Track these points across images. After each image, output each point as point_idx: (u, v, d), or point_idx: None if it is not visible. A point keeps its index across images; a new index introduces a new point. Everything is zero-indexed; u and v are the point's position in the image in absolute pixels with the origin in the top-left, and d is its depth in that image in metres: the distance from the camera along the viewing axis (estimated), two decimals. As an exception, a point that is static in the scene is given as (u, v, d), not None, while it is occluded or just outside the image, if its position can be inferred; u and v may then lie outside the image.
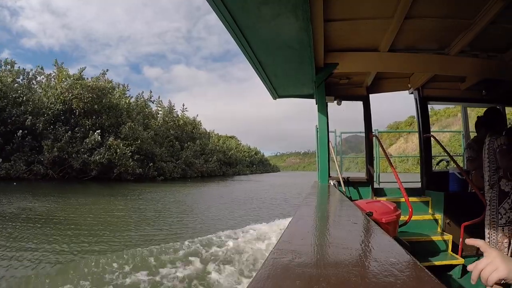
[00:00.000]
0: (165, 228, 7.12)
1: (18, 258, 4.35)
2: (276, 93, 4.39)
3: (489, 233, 2.40)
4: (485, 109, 3.34)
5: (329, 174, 3.55)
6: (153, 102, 37.72)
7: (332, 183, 3.58)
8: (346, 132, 5.47)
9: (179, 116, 43.10)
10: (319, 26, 2.49)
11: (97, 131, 24.43)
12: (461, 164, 4.44)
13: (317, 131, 3.76)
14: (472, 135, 4.61)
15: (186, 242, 5.13)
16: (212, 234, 5.92)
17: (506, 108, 4.31)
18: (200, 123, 52.68)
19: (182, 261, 4.35)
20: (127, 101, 30.73)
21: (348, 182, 4.12)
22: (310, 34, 2.38)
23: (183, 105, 44.65)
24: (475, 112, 4.54)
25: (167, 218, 8.51)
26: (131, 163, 25.88)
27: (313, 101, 4.42)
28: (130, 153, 26.03)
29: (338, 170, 4.15)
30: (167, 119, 39.58)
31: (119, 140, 25.82)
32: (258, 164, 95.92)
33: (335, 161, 4.19)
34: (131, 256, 4.35)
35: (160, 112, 39.97)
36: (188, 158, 36.82)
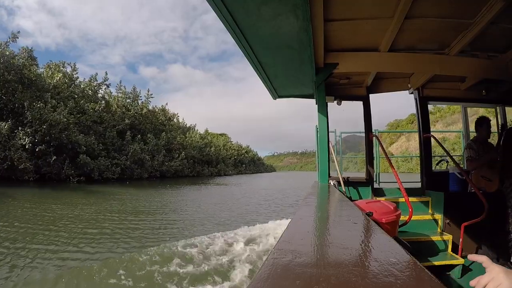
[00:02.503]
0: None
1: None
2: (276, 93, 4.39)
3: None
4: (485, 109, 3.35)
5: (329, 174, 3.55)
6: (108, 86, 32.34)
7: (332, 183, 3.58)
8: (346, 132, 5.47)
9: (143, 103, 37.13)
10: (319, 26, 2.49)
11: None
12: (461, 164, 4.44)
13: (317, 131, 3.76)
14: (472, 135, 4.62)
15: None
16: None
17: (506, 108, 4.31)
18: (178, 115, 48.11)
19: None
20: (58, 77, 25.01)
21: (348, 182, 4.12)
22: (310, 34, 2.38)
23: (148, 91, 39.85)
24: (480, 112, 4.50)
25: None
26: (22, 155, 18.44)
27: (312, 100, 4.42)
28: (29, 143, 19.04)
29: (338, 170, 4.15)
30: (121, 105, 33.08)
31: (5, 123, 18.29)
32: (248, 164, 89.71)
33: (335, 161, 4.19)
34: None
35: (109, 97, 33.38)
36: (136, 154, 29.48)
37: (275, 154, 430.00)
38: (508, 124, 4.22)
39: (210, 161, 51.36)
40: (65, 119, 21.90)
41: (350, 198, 2.83)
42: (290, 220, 1.25)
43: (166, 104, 42.38)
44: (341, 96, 4.09)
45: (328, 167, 3.52)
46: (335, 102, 4.05)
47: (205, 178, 39.53)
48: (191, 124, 54.85)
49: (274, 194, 17.05)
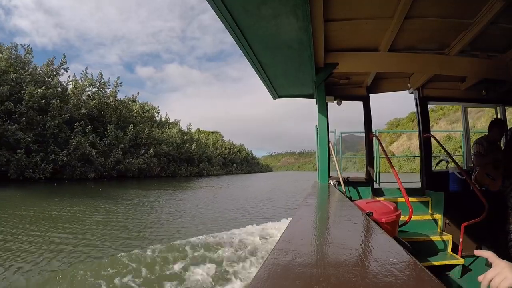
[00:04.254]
0: None
1: None
2: (276, 93, 4.39)
3: None
4: (485, 109, 3.35)
5: (329, 174, 3.55)
6: (66, 70, 28.33)
7: (332, 183, 3.58)
8: (346, 132, 5.47)
9: (111, 92, 32.65)
10: (319, 26, 2.49)
11: None
12: (460, 164, 4.44)
13: (317, 131, 3.76)
14: (472, 134, 4.62)
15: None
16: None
17: (506, 108, 4.31)
18: (158, 109, 43.15)
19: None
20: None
21: (348, 182, 4.12)
22: (310, 34, 2.38)
23: (118, 79, 34.46)
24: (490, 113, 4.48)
25: None
26: None
27: (310, 100, 4.42)
28: None
29: (338, 170, 4.15)
30: (79, 92, 29.36)
31: None
32: (240, 163, 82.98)
33: (335, 161, 4.19)
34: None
35: (73, 85, 29.47)
36: (81, 148, 24.71)
37: (273, 154, 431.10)
38: (508, 124, 4.23)
39: (191, 160, 45.29)
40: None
41: (350, 198, 2.83)
42: (290, 220, 1.25)
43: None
44: (341, 96, 4.09)
45: (328, 167, 3.52)
46: (335, 102, 4.05)
47: (179, 180, 33.30)
48: (175, 120, 49.47)
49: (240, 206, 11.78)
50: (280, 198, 15.20)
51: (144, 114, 39.51)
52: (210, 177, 44.70)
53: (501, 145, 3.61)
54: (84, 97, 30.13)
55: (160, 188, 20.02)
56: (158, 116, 44.60)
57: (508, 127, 3.60)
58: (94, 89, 31.88)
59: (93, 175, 26.42)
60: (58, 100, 24.90)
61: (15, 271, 4.21)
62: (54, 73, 27.40)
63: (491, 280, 0.66)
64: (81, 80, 31.09)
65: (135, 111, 37.18)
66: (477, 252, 0.78)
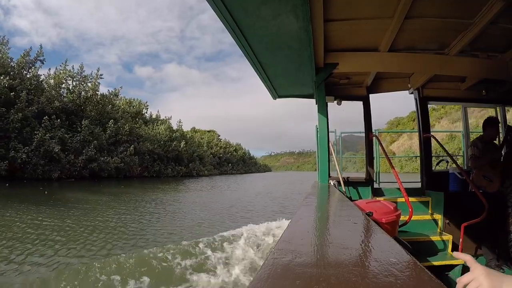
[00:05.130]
0: None
1: None
2: (276, 93, 4.39)
3: None
4: (486, 109, 3.34)
5: (329, 174, 3.55)
6: (42, 62, 26.12)
7: (332, 183, 3.58)
8: (346, 132, 5.48)
9: (89, 86, 29.83)
10: (319, 26, 2.49)
11: None
12: (460, 164, 4.44)
13: (317, 131, 3.76)
14: (472, 134, 4.62)
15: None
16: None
17: (506, 108, 4.31)
18: (146, 105, 40.42)
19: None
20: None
21: (348, 182, 4.12)
22: (310, 34, 2.38)
23: (98, 70, 31.62)
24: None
25: None
26: None
27: (310, 100, 4.42)
28: None
29: (338, 170, 4.16)
30: (55, 85, 27.05)
31: None
32: (237, 163, 78.36)
33: (335, 161, 4.19)
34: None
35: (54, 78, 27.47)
36: (45, 144, 22.27)
37: (272, 154, 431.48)
38: (508, 123, 4.23)
39: (179, 159, 41.92)
40: None
41: (350, 198, 2.83)
42: (290, 220, 1.25)
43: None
44: (341, 96, 4.09)
45: (328, 167, 3.52)
46: (335, 102, 4.06)
47: (162, 180, 29.88)
48: (165, 117, 45.72)
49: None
50: (265, 207, 11.89)
51: (130, 109, 36.71)
52: (200, 178, 40.19)
53: (497, 143, 3.60)
54: (63, 91, 27.88)
55: (124, 192, 16.48)
56: (147, 113, 42.13)
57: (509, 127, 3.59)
58: (75, 83, 29.21)
59: (58, 175, 23.29)
60: (25, 92, 22.50)
61: None
62: (30, 65, 25.32)
63: (466, 285, 0.65)
64: (60, 73, 28.55)
65: (121, 106, 34.38)
66: (456, 254, 0.78)
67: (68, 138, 24.93)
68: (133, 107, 38.75)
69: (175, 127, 45.46)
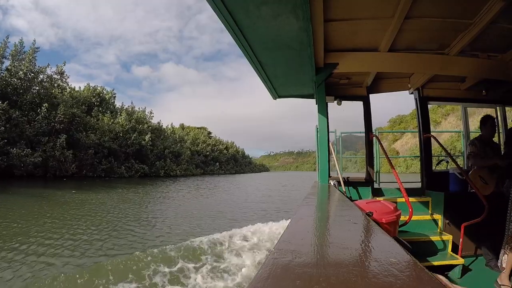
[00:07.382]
0: None
1: None
2: (276, 93, 4.39)
3: None
4: (486, 109, 3.34)
5: (329, 174, 3.55)
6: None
7: (332, 183, 3.58)
8: (346, 132, 5.47)
9: (25, 64, 24.91)
10: (319, 26, 2.49)
11: None
12: (461, 164, 4.44)
13: (317, 131, 3.76)
14: (471, 134, 4.62)
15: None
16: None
17: (506, 108, 4.31)
18: (114, 94, 35.97)
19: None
20: None
21: (348, 182, 4.12)
22: (310, 34, 2.38)
23: (34, 42, 27.02)
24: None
25: None
26: None
27: (309, 100, 4.42)
28: None
29: (338, 170, 4.15)
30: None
31: None
32: (226, 162, 71.96)
33: (335, 161, 4.19)
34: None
35: None
36: None
37: (271, 153, 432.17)
38: (508, 124, 4.23)
39: (142, 155, 34.68)
40: None
41: (350, 198, 2.83)
42: (290, 220, 1.25)
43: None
44: (341, 96, 4.09)
45: (328, 167, 3.52)
46: (335, 102, 4.06)
47: (103, 183, 22.38)
48: (139, 108, 40.54)
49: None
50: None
51: (89, 95, 30.89)
52: (168, 179, 32.36)
53: (495, 140, 3.61)
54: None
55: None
56: (113, 102, 36.43)
57: (509, 127, 3.60)
58: (8, 62, 24.65)
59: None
60: None
61: None
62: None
63: None
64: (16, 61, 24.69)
65: (67, 90, 28.92)
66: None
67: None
68: (99, 94, 32.96)
69: (153, 122, 39.74)
